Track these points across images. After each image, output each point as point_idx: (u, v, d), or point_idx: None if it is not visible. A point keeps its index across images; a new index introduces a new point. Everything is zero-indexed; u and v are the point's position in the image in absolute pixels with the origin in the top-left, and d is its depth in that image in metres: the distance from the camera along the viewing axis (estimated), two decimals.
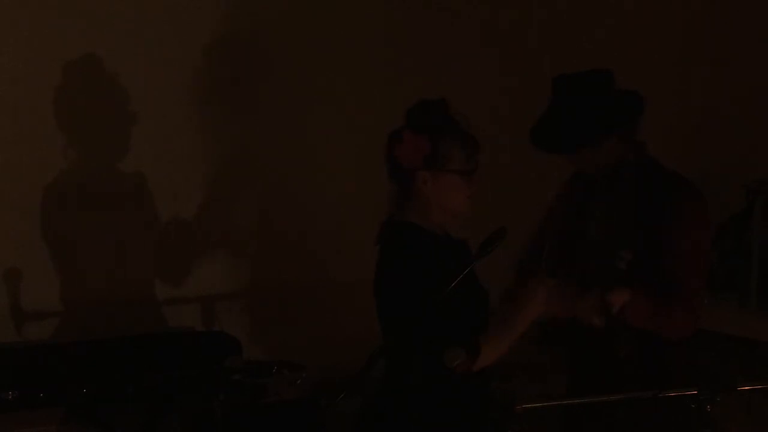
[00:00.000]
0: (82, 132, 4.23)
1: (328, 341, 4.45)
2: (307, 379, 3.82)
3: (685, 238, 3.00)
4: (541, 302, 2.82)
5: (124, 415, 3.70)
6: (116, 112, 4.27)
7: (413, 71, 4.63)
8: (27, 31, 4.07)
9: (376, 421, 2.94)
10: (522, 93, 4.15)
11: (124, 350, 3.98)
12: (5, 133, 4.07)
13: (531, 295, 2.82)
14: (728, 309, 4.38)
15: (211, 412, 3.61)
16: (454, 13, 4.81)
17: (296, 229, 4.59)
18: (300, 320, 4.53)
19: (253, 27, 4.48)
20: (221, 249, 4.52)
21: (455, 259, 2.81)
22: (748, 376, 2.78)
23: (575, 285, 2.94)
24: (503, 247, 2.76)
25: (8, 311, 4.09)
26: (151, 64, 4.24)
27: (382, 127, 2.98)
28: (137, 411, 3.71)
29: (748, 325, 4.28)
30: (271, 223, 4.60)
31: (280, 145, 4.54)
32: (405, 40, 4.70)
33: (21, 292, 4.10)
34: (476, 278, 2.95)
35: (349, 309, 4.30)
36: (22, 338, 4.12)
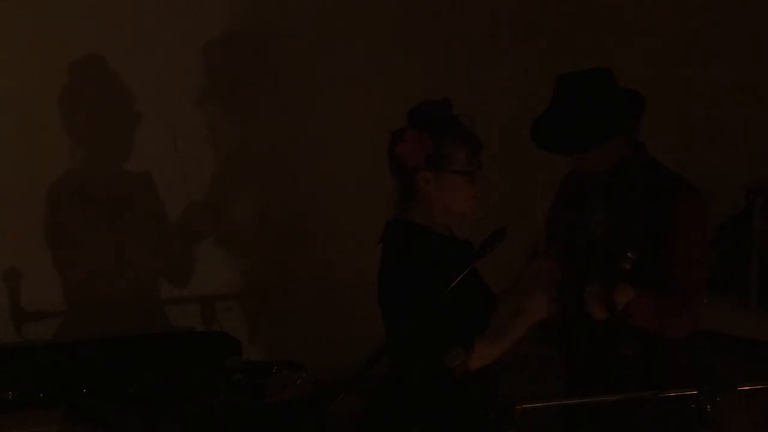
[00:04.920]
0: (82, 132, 4.23)
1: (328, 341, 4.45)
2: (307, 379, 3.82)
3: (684, 237, 3.00)
4: (539, 310, 2.82)
5: (124, 415, 3.70)
6: (118, 112, 4.27)
7: (415, 71, 4.63)
8: (32, 31, 4.07)
9: (377, 420, 2.94)
10: (525, 93, 4.15)
11: (124, 350, 3.98)
12: (7, 133, 4.07)
13: (530, 302, 2.82)
14: (728, 309, 4.38)
15: (211, 412, 3.61)
16: (457, 11, 4.81)
17: (296, 229, 4.59)
18: (300, 320, 4.53)
19: (255, 27, 4.48)
20: (221, 249, 4.52)
21: (459, 259, 2.81)
22: (748, 376, 2.78)
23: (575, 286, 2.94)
24: (503, 247, 2.76)
25: (8, 311, 4.09)
26: (153, 65, 4.24)
27: (383, 127, 2.98)
28: (137, 411, 3.71)
29: (748, 325, 4.28)
30: (271, 223, 4.60)
31: (280, 146, 4.54)
32: (408, 39, 4.70)
33: (21, 292, 4.10)
34: (480, 278, 2.96)
35: (349, 309, 4.32)
36: (22, 338, 4.12)
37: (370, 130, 3.62)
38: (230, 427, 3.60)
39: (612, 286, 2.82)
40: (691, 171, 3.20)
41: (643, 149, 3.15)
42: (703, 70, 5.17)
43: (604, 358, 3.11)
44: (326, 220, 4.60)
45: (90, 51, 4.16)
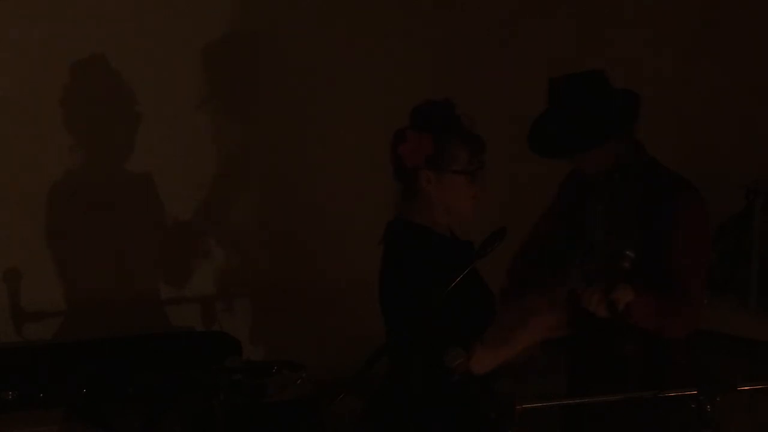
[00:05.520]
0: (83, 132, 4.23)
1: (328, 341, 4.45)
2: (307, 379, 3.82)
3: (685, 237, 3.01)
4: (544, 330, 2.80)
5: (124, 415, 3.70)
6: (118, 112, 4.27)
7: (416, 71, 4.63)
8: (33, 31, 4.07)
9: (377, 420, 2.94)
10: (525, 93, 4.14)
11: (124, 350, 3.98)
12: (7, 133, 4.07)
13: (536, 322, 2.80)
14: (728, 309, 4.38)
15: (211, 412, 3.61)
16: (458, 12, 4.81)
17: (296, 229, 4.59)
18: (300, 320, 4.53)
19: (256, 27, 4.48)
20: (221, 249, 4.52)
21: (460, 259, 2.81)
22: (748, 376, 2.79)
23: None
24: (503, 247, 2.76)
25: (8, 311, 4.09)
26: (153, 65, 4.24)
27: (382, 127, 2.98)
28: (137, 411, 3.71)
29: (748, 325, 4.28)
30: (270, 223, 4.60)
31: (280, 146, 4.54)
32: (409, 39, 4.70)
33: (21, 292, 4.10)
34: (481, 279, 2.95)
35: (349, 309, 4.31)
36: (22, 338, 4.12)
37: (370, 130, 3.62)
38: (230, 427, 3.59)
39: (612, 286, 2.82)
40: (691, 171, 3.20)
41: (642, 149, 3.15)
42: (703, 70, 5.17)
43: (604, 358, 3.11)
44: (326, 220, 4.60)
45: (90, 51, 4.16)
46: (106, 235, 4.27)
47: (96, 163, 4.26)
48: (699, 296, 3.06)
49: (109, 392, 3.72)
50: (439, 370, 2.61)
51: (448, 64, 4.72)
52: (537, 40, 4.91)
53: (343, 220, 4.55)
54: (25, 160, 4.11)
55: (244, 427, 3.64)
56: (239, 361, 3.81)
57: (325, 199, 4.60)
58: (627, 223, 3.06)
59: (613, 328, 2.95)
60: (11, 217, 4.10)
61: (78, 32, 4.12)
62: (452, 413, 2.85)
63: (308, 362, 3.91)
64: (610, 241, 3.07)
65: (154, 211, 4.38)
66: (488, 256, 2.77)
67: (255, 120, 4.51)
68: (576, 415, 3.21)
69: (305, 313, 4.55)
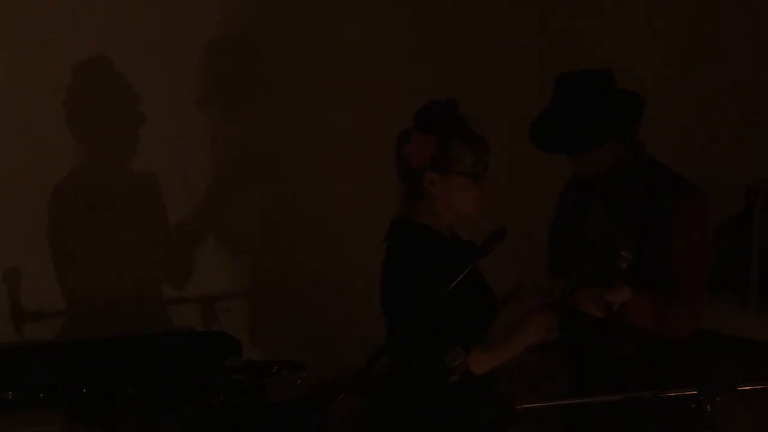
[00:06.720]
0: (83, 132, 4.22)
1: (328, 341, 4.45)
2: (307, 379, 3.82)
3: (686, 237, 3.01)
4: (539, 333, 2.81)
5: (124, 415, 3.70)
6: (118, 112, 4.27)
7: (415, 71, 4.63)
8: (36, 32, 4.07)
9: (377, 420, 2.95)
10: (525, 94, 4.15)
11: (124, 350, 3.98)
12: (7, 133, 4.07)
13: (531, 325, 2.81)
14: (728, 309, 4.38)
15: (211, 412, 3.60)
16: (461, 12, 4.81)
17: (296, 230, 4.59)
18: (300, 320, 4.53)
19: (256, 28, 4.48)
20: (221, 249, 4.52)
21: (461, 259, 2.81)
22: (748, 376, 2.79)
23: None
24: (504, 247, 2.76)
25: (8, 311, 4.09)
26: (154, 65, 4.24)
27: (384, 127, 2.98)
28: (137, 411, 3.71)
29: (748, 325, 4.28)
30: (271, 223, 4.60)
31: (281, 146, 4.54)
32: (409, 40, 4.70)
33: (21, 292, 4.10)
34: (482, 279, 2.96)
35: (349, 309, 4.32)
36: (22, 338, 4.12)
37: (371, 130, 3.62)
38: (230, 427, 3.59)
39: (610, 286, 2.82)
40: (691, 171, 3.21)
41: (643, 149, 3.15)
42: (703, 70, 5.17)
43: (604, 358, 3.11)
44: (326, 220, 4.60)
45: (90, 51, 4.16)
46: (107, 236, 4.27)
47: (96, 163, 4.26)
48: (699, 296, 3.06)
49: (109, 392, 3.72)
50: (439, 370, 2.61)
51: (448, 65, 4.73)
52: (537, 41, 4.91)
53: (343, 220, 4.55)
54: (25, 160, 4.10)
55: (244, 427, 3.64)
56: (239, 361, 3.81)
57: (325, 199, 4.60)
58: (627, 223, 3.06)
59: (612, 329, 2.96)
60: (11, 217, 4.10)
61: (78, 32, 4.12)
62: (452, 413, 2.85)
63: (308, 362, 3.91)
64: (610, 241, 3.07)
65: (154, 211, 4.37)
66: (488, 256, 2.78)
67: (255, 119, 4.51)
68: (576, 415, 3.21)
69: (305, 313, 4.55)
